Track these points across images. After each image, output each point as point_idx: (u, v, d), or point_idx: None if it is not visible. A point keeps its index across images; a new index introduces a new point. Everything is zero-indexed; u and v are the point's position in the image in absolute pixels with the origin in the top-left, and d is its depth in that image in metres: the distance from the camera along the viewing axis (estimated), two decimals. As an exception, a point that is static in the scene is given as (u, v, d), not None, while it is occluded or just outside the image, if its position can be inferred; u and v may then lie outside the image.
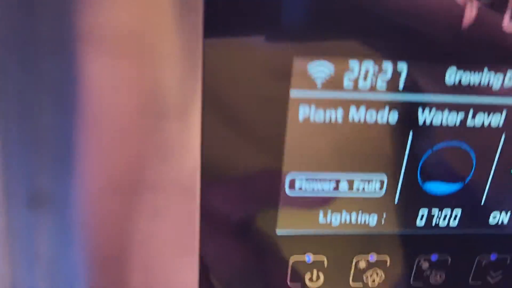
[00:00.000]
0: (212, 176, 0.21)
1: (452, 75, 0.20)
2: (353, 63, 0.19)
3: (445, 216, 0.23)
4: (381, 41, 0.19)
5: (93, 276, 0.23)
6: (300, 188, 0.22)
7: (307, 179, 0.21)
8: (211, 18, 0.18)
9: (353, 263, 0.24)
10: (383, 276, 0.24)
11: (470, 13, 0.19)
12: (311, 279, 0.24)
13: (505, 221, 0.23)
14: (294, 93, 0.20)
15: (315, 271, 0.24)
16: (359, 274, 0.24)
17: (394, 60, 0.19)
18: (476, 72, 0.20)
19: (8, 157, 0.20)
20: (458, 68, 0.20)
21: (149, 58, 0.19)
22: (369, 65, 0.19)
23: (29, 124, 0.20)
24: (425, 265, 0.24)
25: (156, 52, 0.19)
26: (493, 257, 0.24)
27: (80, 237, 0.22)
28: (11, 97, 0.19)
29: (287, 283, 0.24)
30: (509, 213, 0.23)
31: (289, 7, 0.18)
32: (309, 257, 0.23)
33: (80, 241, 0.22)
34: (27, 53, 0.18)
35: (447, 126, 0.21)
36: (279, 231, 0.22)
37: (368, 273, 0.24)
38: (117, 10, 0.18)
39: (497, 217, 0.23)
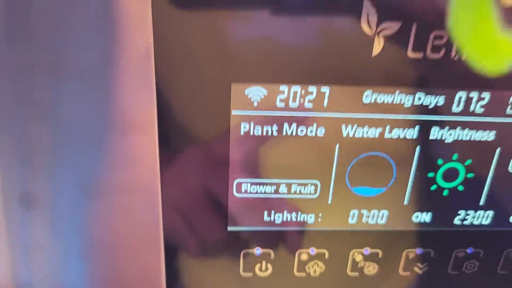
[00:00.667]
0: (170, 182, 0.25)
1: (369, 97, 0.24)
2: (283, 87, 0.23)
3: (374, 215, 0.26)
4: (307, 69, 0.23)
5: (84, 263, 0.27)
6: (246, 191, 0.25)
7: (251, 184, 0.25)
8: (162, 62, 0.22)
9: (296, 256, 0.27)
10: (323, 267, 0.28)
11: (378, 45, 0.22)
12: (260, 269, 0.28)
13: (427, 220, 0.27)
14: (235, 112, 0.23)
15: (264, 263, 0.28)
16: (302, 265, 0.28)
17: (319, 84, 0.23)
18: (389, 94, 0.23)
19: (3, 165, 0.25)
20: (374, 91, 0.23)
21: (111, 87, 0.23)
22: (297, 89, 0.23)
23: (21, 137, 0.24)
24: (359, 257, 0.28)
25: (116, 82, 0.23)
26: (418, 251, 0.28)
27: (64, 231, 0.26)
28: (7, 118, 0.24)
29: (239, 273, 0.28)
30: (430, 213, 0.27)
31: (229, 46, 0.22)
32: (259, 250, 0.27)
33: (64, 234, 0.26)
34: (20, 81, 0.23)
35: (367, 139, 0.24)
36: (230, 228, 0.26)
37: (310, 264, 0.28)
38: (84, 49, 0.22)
39: (419, 217, 0.27)
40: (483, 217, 0.27)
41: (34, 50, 0.22)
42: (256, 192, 0.26)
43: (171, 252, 0.27)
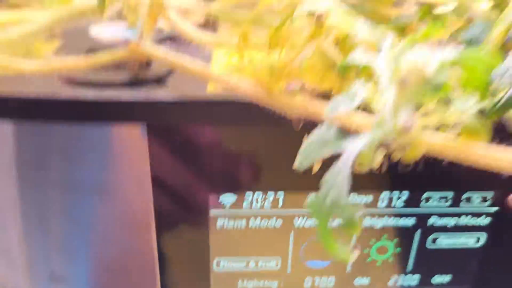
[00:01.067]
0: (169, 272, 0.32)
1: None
2: (248, 194, 0.31)
3: (324, 281, 0.34)
4: (265, 178, 0.30)
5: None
6: (224, 266, 0.33)
7: (228, 261, 0.33)
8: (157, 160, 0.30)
9: (265, 312, 0.35)
10: (287, 319, 0.36)
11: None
12: (238, 322, 0.35)
13: (366, 283, 0.34)
14: (212, 212, 0.31)
15: (240, 317, 0.35)
16: (270, 318, 0.35)
17: (275, 191, 0.31)
18: (329, 196, 0.31)
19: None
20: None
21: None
22: (258, 195, 0.31)
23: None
24: (315, 312, 0.35)
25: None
26: (362, 305, 0.35)
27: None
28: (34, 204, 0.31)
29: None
30: (368, 277, 0.34)
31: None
32: (235, 308, 0.35)
33: None
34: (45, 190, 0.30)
35: (314, 227, 0.32)
36: (212, 293, 0.34)
37: (277, 317, 0.35)
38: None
39: (359, 281, 0.34)
40: (410, 279, 0.34)
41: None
42: (232, 267, 0.33)
43: None
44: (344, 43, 0.25)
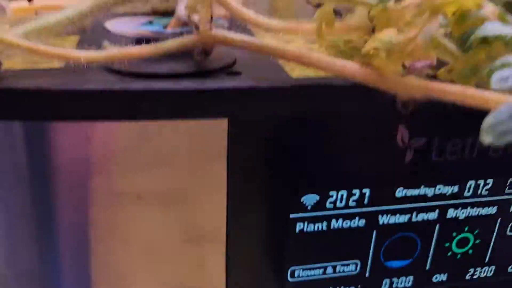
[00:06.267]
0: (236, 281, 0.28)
1: (400, 192, 0.28)
2: (332, 192, 0.27)
3: (402, 281, 0.31)
4: (351, 174, 0.27)
5: None
6: (299, 276, 0.30)
7: (303, 269, 0.29)
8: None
9: (339, 321, 0.32)
10: (360, 326, 0.33)
11: (409, 155, 0.27)
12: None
13: (444, 279, 0.32)
14: (293, 215, 0.28)
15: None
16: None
17: (360, 187, 0.28)
18: (416, 189, 0.28)
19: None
20: (404, 187, 0.28)
21: (192, 209, 0.26)
22: (343, 192, 0.28)
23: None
24: (390, 315, 0.33)
25: (197, 205, 0.26)
26: (437, 304, 0.33)
27: None
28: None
29: None
30: (446, 274, 0.32)
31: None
32: (307, 321, 0.31)
33: None
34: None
35: (398, 223, 0.29)
36: (285, 307, 0.30)
37: (350, 326, 0.32)
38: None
39: (438, 277, 0.32)
40: (487, 271, 0.33)
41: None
42: (307, 275, 0.30)
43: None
44: (463, 18, 0.22)
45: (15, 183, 0.25)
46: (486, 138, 0.16)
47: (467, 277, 0.33)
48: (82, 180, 0.24)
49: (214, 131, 0.24)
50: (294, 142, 0.26)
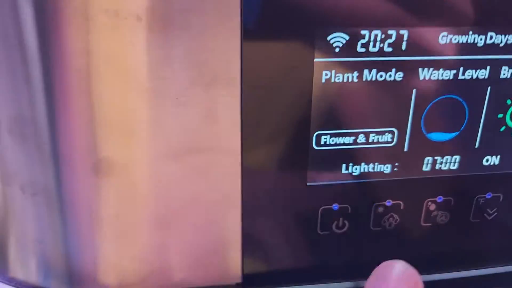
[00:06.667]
0: (251, 138, 0.24)
1: (444, 38, 0.24)
2: (365, 32, 0.23)
3: (447, 161, 0.27)
4: (386, 12, 0.23)
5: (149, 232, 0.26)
6: (325, 143, 0.25)
7: (330, 135, 0.25)
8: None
9: (373, 209, 0.27)
10: (398, 219, 0.28)
11: (456, -15, 0.23)
12: (337, 226, 0.27)
13: (496, 162, 0.27)
14: (318, 60, 0.23)
15: (341, 220, 0.27)
16: (378, 219, 0.28)
17: (397, 28, 0.24)
18: (463, 35, 0.24)
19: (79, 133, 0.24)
20: (449, 32, 0.24)
21: (195, 33, 0.22)
22: (377, 32, 0.23)
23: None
24: (432, 207, 0.28)
25: (201, 29, 0.22)
26: (488, 196, 0.28)
27: (141, 198, 0.25)
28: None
29: (317, 231, 0.27)
30: (499, 156, 0.27)
31: None
32: (336, 206, 0.27)
33: (140, 201, 0.25)
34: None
35: (442, 81, 0.25)
36: (309, 183, 0.26)
37: (386, 217, 0.28)
38: None
39: (490, 160, 0.27)
40: (547, 157, 0.28)
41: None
42: (335, 144, 0.25)
43: (250, 212, 0.26)
44: None
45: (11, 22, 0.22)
46: None
47: (524, 162, 0.28)
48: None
49: None
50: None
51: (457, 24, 0.24)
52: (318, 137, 0.25)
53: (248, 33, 0.22)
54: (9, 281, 0.29)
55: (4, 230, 0.27)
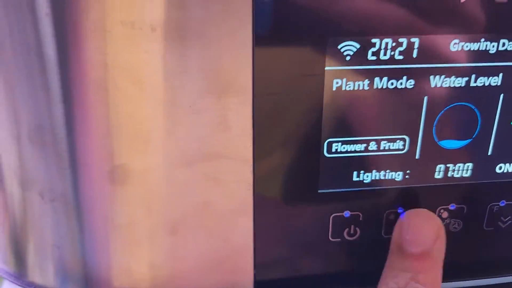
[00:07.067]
0: (263, 145, 0.25)
1: (456, 45, 0.24)
2: (375, 40, 0.24)
3: (459, 168, 0.27)
4: (397, 20, 0.23)
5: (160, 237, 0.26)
6: (336, 150, 0.25)
7: (342, 143, 0.25)
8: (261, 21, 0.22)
9: (385, 216, 0.27)
10: (410, 227, 0.28)
11: (466, -7, 0.23)
12: (349, 233, 0.27)
13: (510, 170, 0.27)
14: (329, 69, 0.24)
15: (352, 227, 0.27)
16: (390, 226, 0.28)
17: (408, 36, 0.24)
18: (475, 42, 0.24)
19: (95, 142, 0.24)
20: (460, 39, 0.24)
21: (208, 43, 0.23)
22: (388, 40, 0.24)
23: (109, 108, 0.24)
24: (444, 214, 0.28)
25: (214, 38, 0.23)
26: (502, 203, 0.28)
27: (153, 204, 0.25)
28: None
29: (329, 238, 0.27)
30: (512, 163, 0.27)
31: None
32: (347, 213, 0.27)
33: (154, 208, 0.25)
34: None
35: (454, 88, 0.25)
36: (321, 190, 0.26)
37: (397, 225, 0.28)
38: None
39: (503, 167, 0.27)
40: (562, 164, 0.27)
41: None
42: (346, 151, 0.26)
43: (262, 219, 0.26)
44: None
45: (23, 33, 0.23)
46: None
47: (539, 169, 0.28)
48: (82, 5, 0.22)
49: None
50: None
51: (468, 31, 0.24)
52: (329, 144, 0.25)
53: (260, 41, 0.23)
54: (28, 285, 0.29)
55: (23, 235, 0.28)
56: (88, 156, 0.25)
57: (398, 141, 0.26)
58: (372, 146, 0.26)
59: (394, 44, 0.24)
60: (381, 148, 0.26)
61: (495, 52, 0.25)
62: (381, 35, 0.23)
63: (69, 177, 0.25)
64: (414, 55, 0.24)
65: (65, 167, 0.25)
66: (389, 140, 0.26)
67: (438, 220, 0.26)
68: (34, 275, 0.29)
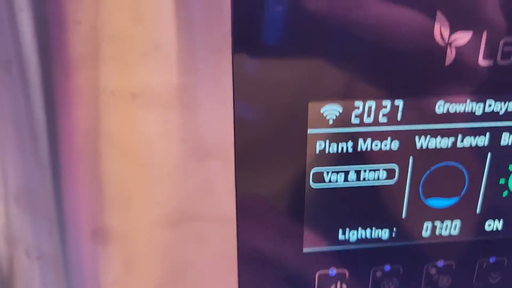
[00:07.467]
0: (246, 206, 0.24)
1: (441, 107, 0.24)
2: (358, 103, 0.23)
3: (447, 226, 0.26)
4: (381, 83, 0.23)
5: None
6: (320, 210, 0.25)
7: (325, 204, 0.25)
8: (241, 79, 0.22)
9: (371, 274, 0.27)
10: (397, 284, 0.27)
11: (450, 54, 0.23)
12: (335, 291, 0.27)
13: (499, 227, 0.27)
14: (311, 131, 0.23)
15: (338, 284, 0.27)
16: (376, 284, 0.27)
17: (392, 98, 0.23)
18: (461, 103, 0.24)
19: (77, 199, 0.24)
20: (446, 101, 0.24)
21: (189, 109, 0.23)
22: (371, 104, 0.23)
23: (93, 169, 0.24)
24: (433, 271, 0.27)
25: (195, 104, 0.23)
26: (492, 260, 0.28)
27: (136, 264, 0.25)
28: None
29: (314, 295, 0.27)
30: (502, 221, 0.27)
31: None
32: (333, 271, 0.27)
33: (138, 268, 0.25)
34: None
35: (440, 149, 0.25)
36: (306, 249, 0.26)
37: (384, 282, 0.27)
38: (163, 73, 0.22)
39: (492, 225, 0.27)
40: (553, 221, 0.27)
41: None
42: (331, 208, 0.25)
43: (246, 278, 0.26)
44: None
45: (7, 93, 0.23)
46: None
47: (529, 226, 0.27)
48: (66, 74, 0.22)
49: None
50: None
51: (454, 93, 0.24)
52: (313, 202, 0.25)
53: (241, 107, 0.23)
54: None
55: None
56: (71, 216, 0.25)
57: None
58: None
59: (377, 107, 0.23)
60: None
61: (481, 113, 0.24)
62: (364, 98, 0.23)
63: (55, 237, 0.25)
64: (399, 117, 0.24)
65: (50, 227, 0.25)
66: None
67: None
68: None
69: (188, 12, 0.21)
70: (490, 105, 0.24)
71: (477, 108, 0.24)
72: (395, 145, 0.24)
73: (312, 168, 0.24)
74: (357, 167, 0.24)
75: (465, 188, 0.26)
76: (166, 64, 0.22)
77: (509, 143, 0.25)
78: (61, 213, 0.25)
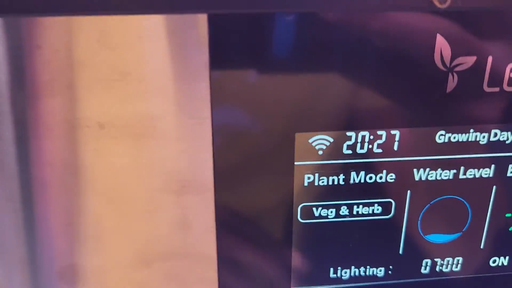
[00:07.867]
0: (226, 244, 0.22)
1: (442, 137, 0.22)
2: (351, 133, 0.21)
3: (448, 263, 0.24)
4: (376, 112, 0.21)
5: None
6: (310, 242, 0.23)
7: (315, 238, 0.23)
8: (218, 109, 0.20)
9: (365, 313, 0.25)
10: (395, 323, 0.25)
11: (452, 82, 0.21)
12: (326, 331, 0.25)
13: (505, 263, 0.25)
14: (298, 163, 0.21)
15: (330, 323, 0.25)
16: (372, 323, 0.25)
17: (387, 128, 0.21)
18: (463, 133, 0.22)
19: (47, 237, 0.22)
20: (447, 130, 0.22)
21: (163, 140, 0.21)
22: (365, 133, 0.21)
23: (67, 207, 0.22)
24: (433, 309, 0.25)
25: (169, 134, 0.21)
26: (497, 298, 0.26)
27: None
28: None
29: (304, 336, 0.25)
30: (508, 257, 0.25)
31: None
32: (324, 310, 0.25)
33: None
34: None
35: (441, 181, 0.22)
36: (294, 287, 0.24)
37: (380, 321, 0.25)
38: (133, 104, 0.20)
39: (497, 261, 0.25)
40: None
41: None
42: (321, 244, 0.23)
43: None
44: None
45: None
46: None
47: (537, 262, 0.25)
48: (32, 102, 0.20)
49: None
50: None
51: (456, 122, 0.21)
52: (301, 236, 0.23)
53: (220, 138, 0.21)
54: None
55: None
56: (43, 254, 0.23)
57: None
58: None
59: (372, 137, 0.21)
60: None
61: (486, 143, 0.22)
62: (357, 128, 0.21)
63: (26, 275, 0.23)
64: (395, 148, 0.22)
65: (21, 265, 0.23)
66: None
67: None
68: None
69: (161, 38, 0.19)
70: (495, 135, 0.22)
71: (481, 138, 0.22)
72: (391, 177, 0.22)
73: (301, 202, 0.22)
74: (350, 201, 0.22)
75: (468, 222, 0.24)
76: (136, 93, 0.20)
77: (517, 176, 0.23)
78: (32, 251, 0.23)
